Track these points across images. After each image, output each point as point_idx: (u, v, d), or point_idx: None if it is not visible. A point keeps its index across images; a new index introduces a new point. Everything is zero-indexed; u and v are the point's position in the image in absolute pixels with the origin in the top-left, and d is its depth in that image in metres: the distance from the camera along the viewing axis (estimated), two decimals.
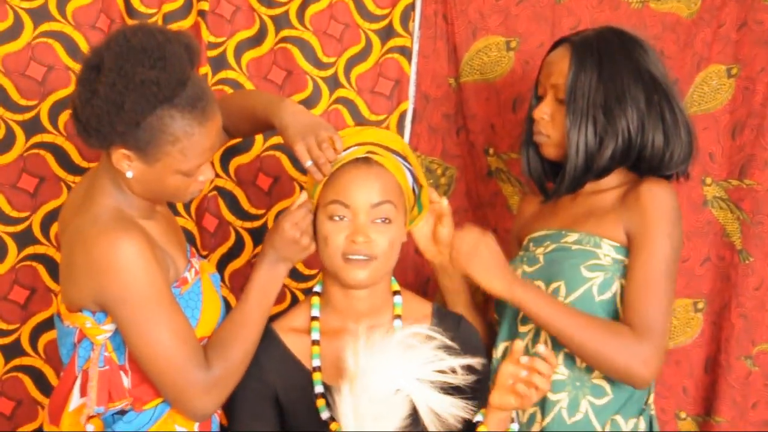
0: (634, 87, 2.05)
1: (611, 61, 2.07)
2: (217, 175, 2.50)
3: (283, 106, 1.93)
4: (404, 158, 1.94)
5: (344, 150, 1.89)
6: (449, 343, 1.74)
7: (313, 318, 1.98)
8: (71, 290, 1.83)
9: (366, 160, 1.89)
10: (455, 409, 1.70)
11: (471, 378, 1.75)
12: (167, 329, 1.79)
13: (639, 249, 2.00)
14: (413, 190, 1.97)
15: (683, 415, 2.71)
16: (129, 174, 1.80)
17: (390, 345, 1.69)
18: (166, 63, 1.72)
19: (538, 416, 2.07)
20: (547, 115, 2.14)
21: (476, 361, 1.75)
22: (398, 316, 1.97)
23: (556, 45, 2.19)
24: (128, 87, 1.71)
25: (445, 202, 2.10)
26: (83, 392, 1.83)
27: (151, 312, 1.78)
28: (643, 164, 2.09)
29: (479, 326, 2.12)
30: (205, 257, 2.47)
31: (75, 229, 1.82)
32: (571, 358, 2.04)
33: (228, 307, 2.19)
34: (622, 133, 2.04)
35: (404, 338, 1.71)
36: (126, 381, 1.85)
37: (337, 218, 1.88)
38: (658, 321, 1.96)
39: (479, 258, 1.96)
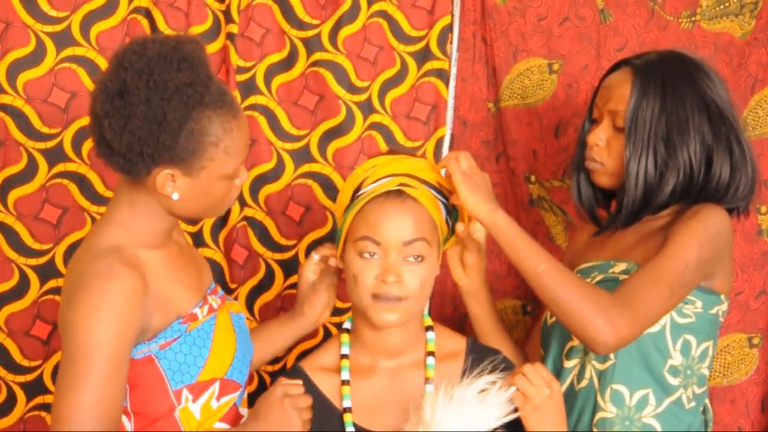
0: (698, 118, 2.04)
1: (675, 90, 2.05)
2: (247, 205, 2.49)
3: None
4: (438, 189, 1.92)
5: (375, 180, 1.88)
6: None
7: (343, 356, 1.97)
8: None
9: (398, 193, 1.88)
10: None
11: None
12: (87, 390, 1.69)
13: (664, 246, 1.98)
14: (446, 221, 1.96)
15: None
16: (175, 196, 1.79)
17: (466, 396, 1.73)
18: (190, 63, 1.73)
19: None
20: (602, 141, 2.12)
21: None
22: (431, 353, 1.96)
23: (615, 67, 2.16)
24: (164, 97, 1.70)
25: (461, 227, 2.05)
26: None
27: (87, 364, 1.70)
28: (703, 195, 2.06)
29: (509, 351, 2.11)
30: (233, 290, 2.45)
31: (71, 263, 1.83)
32: (619, 396, 2.02)
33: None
34: (684, 167, 2.03)
35: (479, 388, 1.76)
36: (128, 425, 1.83)
37: (367, 255, 1.87)
38: (647, 301, 1.92)
39: (472, 180, 1.93)
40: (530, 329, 2.41)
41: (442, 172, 2.01)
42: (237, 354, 1.89)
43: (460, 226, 2.02)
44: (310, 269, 2.08)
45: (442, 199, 1.93)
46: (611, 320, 1.89)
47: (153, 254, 1.84)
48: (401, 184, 1.88)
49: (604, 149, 2.11)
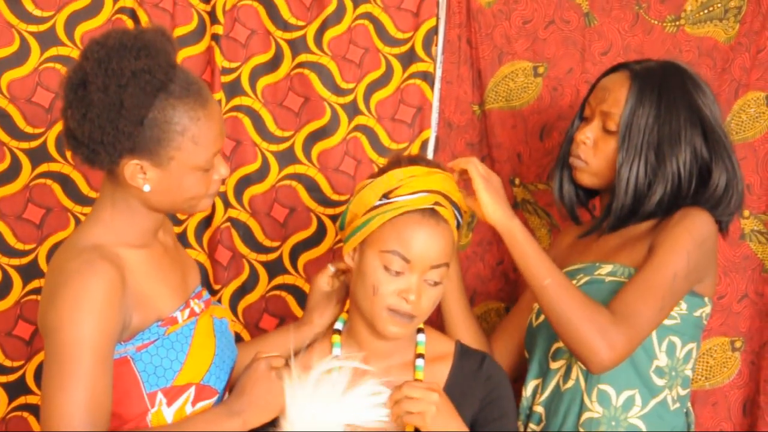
0: (690, 131, 2.07)
1: (670, 101, 2.08)
2: (231, 206, 2.50)
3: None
4: (458, 207, 1.95)
5: (412, 193, 1.88)
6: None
7: (334, 357, 1.96)
8: None
9: (433, 213, 1.88)
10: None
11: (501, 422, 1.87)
12: (76, 388, 1.69)
13: (651, 256, 2.01)
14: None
15: None
16: (146, 188, 1.78)
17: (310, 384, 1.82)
18: (149, 50, 1.73)
19: None
20: (589, 140, 2.14)
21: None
22: (420, 355, 1.97)
23: (614, 69, 2.19)
24: (121, 84, 1.70)
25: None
26: None
27: (73, 362, 1.70)
28: (690, 203, 2.09)
29: (478, 338, 2.15)
30: (217, 291, 2.47)
31: (51, 262, 1.83)
32: (606, 396, 2.04)
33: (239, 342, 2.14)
34: (672, 178, 2.06)
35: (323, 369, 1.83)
36: None
37: (393, 270, 1.87)
38: (642, 316, 1.95)
39: (491, 184, 1.99)
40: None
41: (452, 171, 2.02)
42: (215, 360, 1.88)
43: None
44: (325, 280, 2.08)
45: (459, 217, 1.96)
46: (609, 341, 1.92)
47: (135, 253, 1.83)
48: (436, 203, 1.88)
49: (591, 148, 2.14)
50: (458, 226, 1.97)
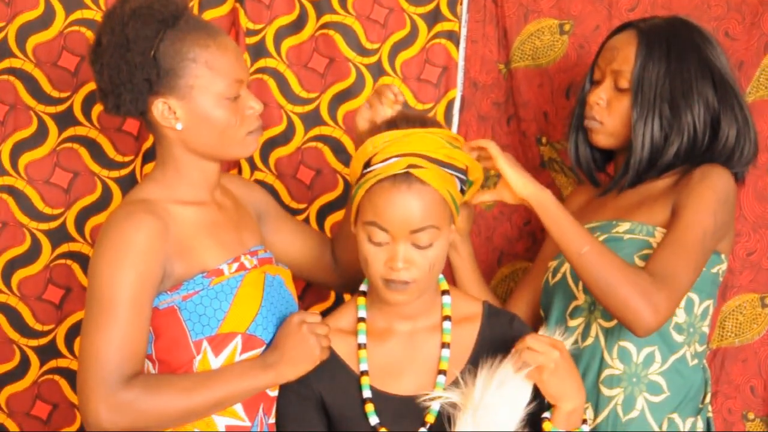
0: (701, 82, 2.09)
1: (679, 54, 2.10)
2: (257, 168, 2.51)
3: None
4: (451, 166, 1.89)
5: (385, 159, 1.85)
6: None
7: (360, 319, 1.99)
8: None
9: (406, 177, 1.84)
10: None
11: None
12: (111, 329, 1.80)
13: (679, 217, 2.02)
14: (462, 190, 1.96)
15: (751, 416, 2.65)
16: (179, 126, 1.88)
17: (507, 377, 1.82)
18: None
19: (590, 413, 2.08)
20: (603, 101, 2.16)
21: None
22: (447, 317, 1.97)
23: (620, 29, 2.20)
24: (123, 22, 1.84)
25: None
26: None
27: (109, 306, 1.80)
28: (707, 158, 2.10)
29: (495, 302, 2.14)
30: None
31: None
32: (627, 353, 2.06)
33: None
34: (687, 130, 2.08)
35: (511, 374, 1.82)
36: (153, 372, 1.90)
37: (375, 240, 1.86)
38: (680, 276, 1.96)
39: (513, 160, 2.01)
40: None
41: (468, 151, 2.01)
42: (261, 311, 1.92)
43: (485, 197, 2.08)
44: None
45: (454, 172, 1.90)
46: (652, 302, 1.92)
47: (185, 209, 1.92)
48: (410, 166, 1.84)
49: (605, 109, 2.15)
50: (462, 183, 1.94)
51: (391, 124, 1.92)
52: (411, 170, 1.84)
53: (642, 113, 2.09)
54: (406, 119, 1.92)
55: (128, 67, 1.84)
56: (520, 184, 1.98)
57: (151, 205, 1.88)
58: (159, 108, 1.89)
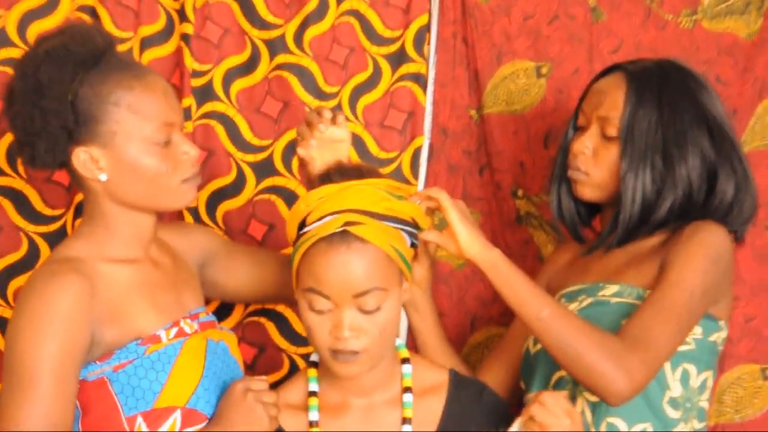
0: (697, 131, 2.05)
1: (672, 100, 2.06)
2: (202, 223, 2.39)
3: None
4: (395, 219, 1.83)
5: (320, 218, 1.80)
6: None
7: (311, 393, 1.91)
8: None
9: (344, 236, 1.78)
10: None
11: None
12: (32, 405, 1.72)
13: (664, 275, 1.97)
14: (413, 244, 1.89)
15: None
16: (102, 177, 1.83)
17: None
18: (63, 30, 1.84)
19: None
20: (588, 149, 2.11)
21: None
22: (408, 389, 1.90)
23: (606, 71, 2.16)
24: (36, 65, 1.79)
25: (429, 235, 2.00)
26: None
27: (26, 379, 1.73)
28: (701, 213, 2.05)
29: (456, 367, 2.07)
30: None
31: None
32: (616, 430, 1.99)
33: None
34: (682, 184, 2.04)
35: None
36: None
37: (317, 311, 1.80)
38: (657, 339, 1.90)
39: (464, 214, 1.94)
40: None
41: (416, 201, 1.95)
42: (203, 382, 1.86)
43: (430, 237, 1.98)
44: None
45: (400, 226, 1.84)
46: (624, 367, 1.85)
47: (116, 268, 1.87)
48: (347, 223, 1.78)
49: (591, 158, 2.10)
50: (412, 237, 1.88)
51: (325, 178, 1.88)
52: (348, 228, 1.78)
53: (632, 165, 2.03)
54: (341, 171, 1.88)
55: (42, 114, 1.79)
56: (467, 242, 1.91)
57: (77, 263, 1.82)
58: (80, 158, 1.82)
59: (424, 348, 2.13)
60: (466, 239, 1.90)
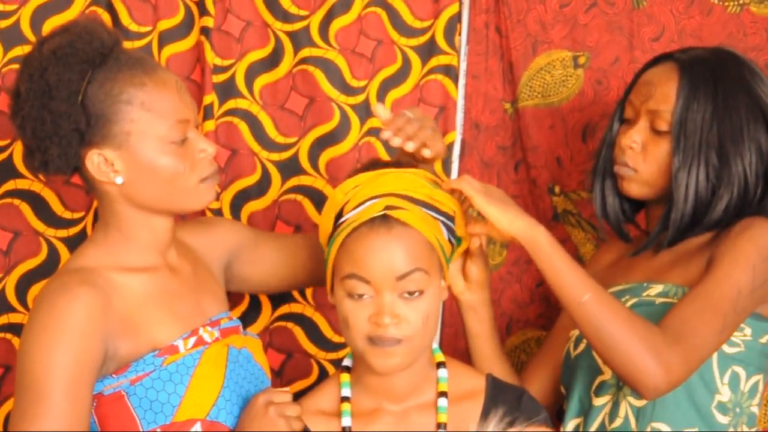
0: (753, 126, 2.01)
1: (728, 93, 2.02)
2: None
3: None
4: (433, 207, 1.83)
5: (358, 205, 1.80)
6: None
7: (344, 399, 1.89)
8: None
9: (384, 219, 1.78)
10: None
11: None
12: (45, 422, 1.70)
13: (711, 270, 1.94)
14: (450, 240, 1.88)
15: None
16: (118, 180, 1.82)
17: None
18: (69, 30, 1.80)
19: None
20: (637, 144, 2.07)
21: None
22: (443, 394, 1.87)
23: (656, 61, 2.12)
24: (42, 66, 1.77)
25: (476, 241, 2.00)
26: None
27: (39, 395, 1.71)
28: (756, 213, 2.02)
29: (507, 374, 2.08)
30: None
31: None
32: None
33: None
34: (738, 181, 2.00)
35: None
36: None
37: (357, 296, 1.79)
38: (700, 335, 1.87)
39: (492, 196, 1.90)
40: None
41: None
42: (223, 393, 1.85)
43: (475, 237, 1.97)
44: None
45: (439, 216, 1.84)
46: (663, 361, 1.83)
47: (132, 277, 1.85)
48: (387, 207, 1.78)
49: (639, 153, 2.07)
50: (450, 233, 1.87)
51: (361, 168, 1.89)
52: (389, 212, 1.78)
53: (685, 161, 1.99)
54: (378, 163, 1.90)
55: (52, 118, 1.77)
56: (505, 221, 1.87)
57: (90, 274, 1.80)
58: (94, 161, 1.81)
59: (478, 355, 2.10)
60: (501, 218, 1.87)
